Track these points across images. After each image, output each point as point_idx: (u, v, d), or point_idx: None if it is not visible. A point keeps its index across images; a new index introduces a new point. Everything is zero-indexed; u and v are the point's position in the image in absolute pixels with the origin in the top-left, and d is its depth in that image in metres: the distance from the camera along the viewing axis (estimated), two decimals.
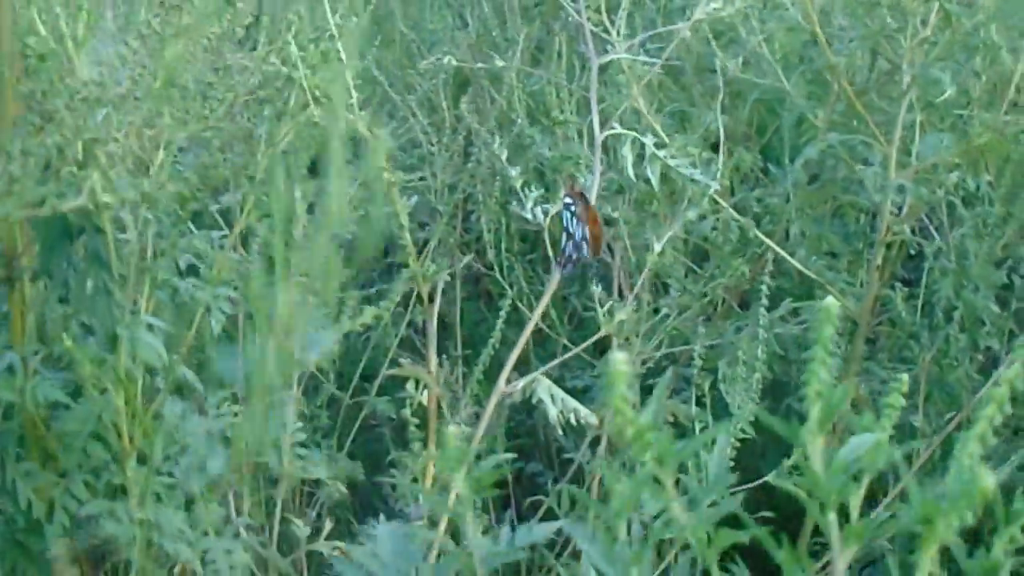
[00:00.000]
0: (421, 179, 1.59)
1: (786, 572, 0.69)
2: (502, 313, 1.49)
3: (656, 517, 0.74)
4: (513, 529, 0.93)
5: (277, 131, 1.27)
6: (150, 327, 1.23)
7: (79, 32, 1.17)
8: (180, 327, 1.28)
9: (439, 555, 1.21)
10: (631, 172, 1.38)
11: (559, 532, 1.32)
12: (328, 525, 1.36)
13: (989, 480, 0.61)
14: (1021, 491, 0.70)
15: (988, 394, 0.68)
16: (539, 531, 0.91)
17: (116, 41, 1.17)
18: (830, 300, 0.68)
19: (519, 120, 1.62)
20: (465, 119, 1.63)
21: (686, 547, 0.72)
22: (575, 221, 1.37)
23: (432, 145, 1.64)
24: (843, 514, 0.68)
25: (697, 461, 0.83)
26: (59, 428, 1.27)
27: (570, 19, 1.47)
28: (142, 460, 1.25)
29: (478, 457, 0.85)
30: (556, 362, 1.44)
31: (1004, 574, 0.66)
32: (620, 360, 0.67)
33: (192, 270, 1.26)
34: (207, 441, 1.27)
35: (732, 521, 0.72)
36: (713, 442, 0.81)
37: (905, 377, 0.73)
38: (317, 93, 1.27)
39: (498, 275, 1.63)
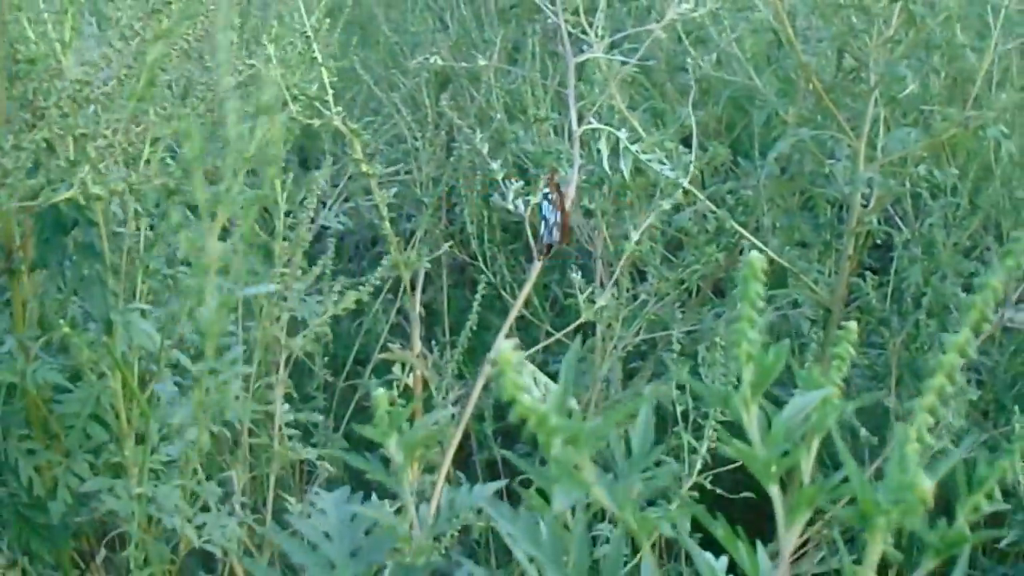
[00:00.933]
0: (407, 172, 1.64)
1: (727, 547, 0.65)
2: (477, 296, 1.54)
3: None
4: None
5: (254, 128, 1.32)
6: (143, 313, 1.27)
7: (65, 35, 1.22)
8: (173, 312, 1.32)
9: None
10: (606, 165, 1.44)
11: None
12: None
13: (926, 484, 0.57)
14: (984, 459, 0.63)
15: (937, 362, 0.62)
16: (476, 495, 0.86)
17: (100, 42, 1.22)
18: (755, 254, 0.64)
19: (498, 116, 1.68)
20: (447, 115, 1.69)
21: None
22: (551, 208, 1.42)
23: (416, 140, 1.70)
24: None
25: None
26: (60, 410, 1.31)
27: (548, 20, 1.53)
28: (140, 439, 1.30)
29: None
30: (538, 347, 1.49)
31: (967, 546, 0.61)
32: (507, 347, 0.59)
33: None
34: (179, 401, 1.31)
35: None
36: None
37: (854, 324, 0.69)
38: (295, 92, 1.34)
39: (481, 264, 1.68)
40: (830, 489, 0.62)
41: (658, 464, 0.68)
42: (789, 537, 0.64)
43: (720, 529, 0.65)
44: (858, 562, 0.62)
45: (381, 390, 0.85)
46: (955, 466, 0.61)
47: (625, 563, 0.75)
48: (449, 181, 1.69)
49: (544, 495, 0.73)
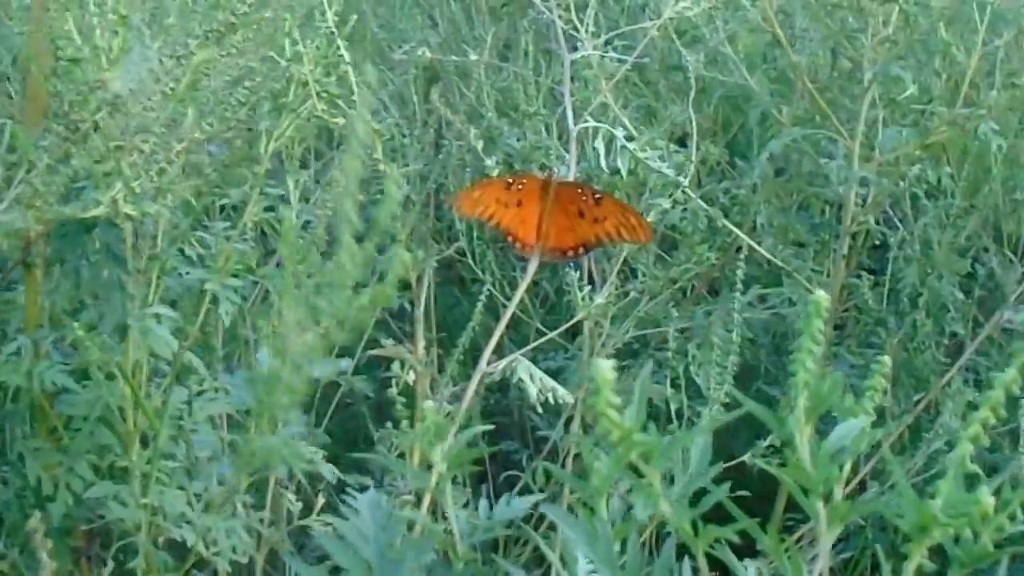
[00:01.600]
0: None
1: (771, 555, 0.70)
2: (481, 298, 1.54)
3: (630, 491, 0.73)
4: (491, 504, 0.95)
5: (278, 125, 1.32)
6: (159, 317, 1.25)
7: (114, 48, 1.18)
8: (189, 315, 1.31)
9: (420, 530, 1.25)
10: (603, 163, 1.45)
11: (535, 506, 1.38)
12: (320, 501, 1.41)
13: (989, 500, 0.63)
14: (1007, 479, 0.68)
15: (983, 399, 0.67)
16: (517, 506, 0.93)
17: (150, 59, 1.18)
18: (821, 294, 0.69)
19: (488, 113, 1.68)
20: (436, 112, 1.69)
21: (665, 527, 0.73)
22: None
23: (404, 137, 1.69)
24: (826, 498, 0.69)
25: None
26: (66, 412, 1.30)
27: (541, 17, 1.53)
28: (146, 444, 1.29)
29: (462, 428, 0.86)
30: (532, 346, 1.49)
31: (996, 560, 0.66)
32: (606, 366, 0.66)
33: (202, 261, 1.30)
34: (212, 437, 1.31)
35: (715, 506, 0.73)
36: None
37: (887, 359, 0.75)
38: (318, 88, 1.33)
39: (471, 261, 1.69)
40: (864, 503, 0.73)
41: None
42: (826, 546, 0.70)
43: (768, 540, 0.70)
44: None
45: (429, 403, 0.85)
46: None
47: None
48: (437, 178, 1.69)
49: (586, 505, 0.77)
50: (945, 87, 1.49)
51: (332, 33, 1.34)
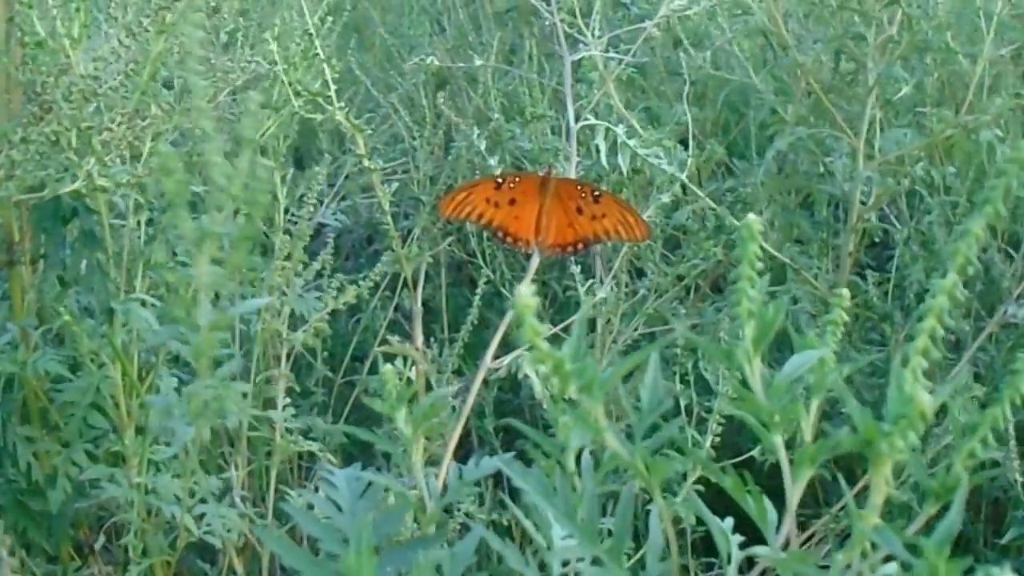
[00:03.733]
0: (404, 171, 1.65)
1: (736, 497, 0.66)
2: (478, 292, 1.55)
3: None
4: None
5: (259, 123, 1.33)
6: (143, 303, 1.26)
7: (75, 31, 1.23)
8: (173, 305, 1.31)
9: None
10: (604, 161, 1.45)
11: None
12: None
13: (926, 400, 0.58)
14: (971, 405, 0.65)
15: (925, 308, 0.65)
16: (484, 467, 0.88)
17: (108, 38, 1.22)
18: (752, 217, 0.66)
19: (495, 116, 1.69)
20: (445, 115, 1.70)
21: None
22: None
23: (414, 139, 1.71)
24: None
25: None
26: (60, 399, 1.31)
27: (545, 21, 1.54)
28: (139, 430, 1.30)
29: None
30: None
31: (963, 490, 0.62)
32: (526, 294, 0.61)
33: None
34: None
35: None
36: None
37: (845, 291, 0.71)
38: (298, 88, 1.35)
39: (480, 261, 1.69)
40: (832, 445, 0.64)
41: (665, 419, 0.70)
42: (795, 492, 0.65)
43: (729, 480, 0.66)
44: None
45: (388, 365, 0.84)
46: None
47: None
48: (447, 180, 1.70)
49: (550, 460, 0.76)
50: (946, 91, 1.49)
51: (310, 34, 1.36)
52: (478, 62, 1.64)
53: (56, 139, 1.18)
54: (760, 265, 0.65)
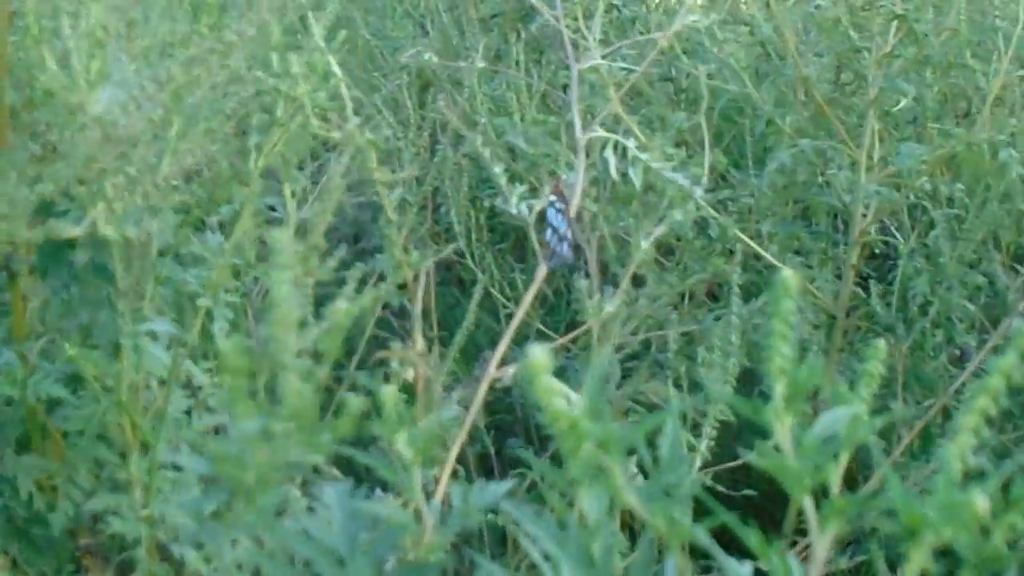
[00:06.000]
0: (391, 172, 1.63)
1: (759, 555, 0.65)
2: (475, 298, 1.54)
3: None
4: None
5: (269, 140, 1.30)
6: (153, 335, 1.22)
7: (92, 71, 1.15)
8: (184, 326, 1.28)
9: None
10: (614, 172, 1.45)
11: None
12: None
13: (982, 503, 0.57)
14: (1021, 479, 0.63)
15: (981, 385, 0.63)
16: (493, 492, 0.86)
17: (130, 83, 1.15)
18: (788, 272, 0.65)
19: (482, 120, 1.67)
20: (430, 117, 1.69)
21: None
22: (560, 217, 1.42)
23: (399, 141, 1.69)
24: (826, 494, 0.64)
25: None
26: (62, 425, 1.27)
27: (547, 25, 1.53)
28: (146, 456, 1.26)
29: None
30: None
31: (1007, 563, 0.60)
32: (539, 352, 0.60)
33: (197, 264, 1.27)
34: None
35: (700, 504, 0.67)
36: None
37: (882, 343, 0.69)
38: (307, 102, 1.31)
39: (470, 262, 1.68)
40: (863, 501, 0.63)
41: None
42: (821, 546, 0.65)
43: (753, 537, 0.65)
44: None
45: (388, 387, 0.82)
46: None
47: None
48: (433, 181, 1.69)
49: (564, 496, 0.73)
50: (948, 104, 1.51)
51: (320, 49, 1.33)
52: (465, 64, 1.62)
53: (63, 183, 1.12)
54: (793, 320, 0.64)
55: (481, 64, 1.69)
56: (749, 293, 1.50)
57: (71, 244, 1.19)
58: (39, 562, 1.30)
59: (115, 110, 1.10)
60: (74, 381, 1.29)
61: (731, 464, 1.44)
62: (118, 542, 1.30)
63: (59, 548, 1.31)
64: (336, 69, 1.36)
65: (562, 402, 0.61)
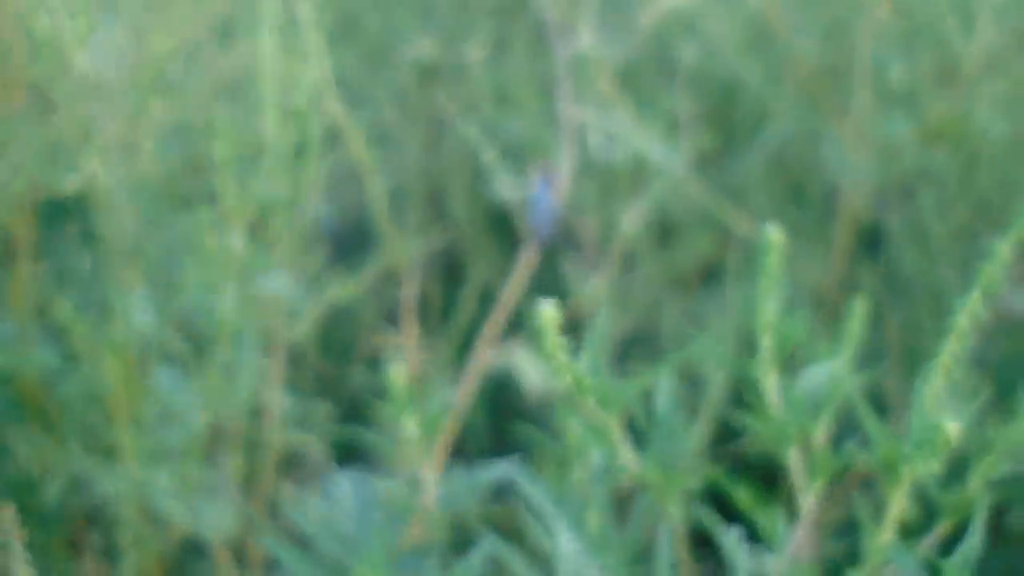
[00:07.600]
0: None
1: (749, 512, 0.66)
2: (472, 285, 1.55)
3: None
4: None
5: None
6: (142, 299, 1.26)
7: (79, 29, 1.20)
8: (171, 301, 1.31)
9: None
10: (597, 151, 1.45)
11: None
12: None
13: (953, 429, 0.58)
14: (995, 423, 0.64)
15: (950, 324, 0.64)
16: (492, 471, 0.89)
17: (108, 38, 1.21)
18: (773, 229, 0.66)
19: (484, 107, 1.68)
20: (433, 105, 1.70)
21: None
22: (546, 198, 1.43)
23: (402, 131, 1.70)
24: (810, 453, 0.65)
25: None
26: (57, 393, 1.30)
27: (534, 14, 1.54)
28: (136, 424, 1.29)
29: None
30: None
31: (980, 508, 0.61)
32: (548, 308, 0.63)
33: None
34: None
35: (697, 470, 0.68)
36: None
37: (863, 301, 0.70)
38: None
39: (469, 254, 1.69)
40: (846, 453, 0.64)
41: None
42: (807, 502, 0.65)
43: (742, 493, 0.66)
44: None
45: (396, 366, 0.84)
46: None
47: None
48: (434, 171, 1.70)
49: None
50: (938, 75, 1.49)
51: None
52: (468, 53, 1.64)
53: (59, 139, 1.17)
54: (779, 275, 0.65)
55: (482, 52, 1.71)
56: (744, 273, 1.48)
57: (64, 216, 1.25)
58: (31, 534, 1.33)
59: (102, 65, 1.16)
60: (67, 348, 1.32)
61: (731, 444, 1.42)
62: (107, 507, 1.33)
63: (51, 520, 1.34)
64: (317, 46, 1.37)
65: (566, 357, 0.63)
